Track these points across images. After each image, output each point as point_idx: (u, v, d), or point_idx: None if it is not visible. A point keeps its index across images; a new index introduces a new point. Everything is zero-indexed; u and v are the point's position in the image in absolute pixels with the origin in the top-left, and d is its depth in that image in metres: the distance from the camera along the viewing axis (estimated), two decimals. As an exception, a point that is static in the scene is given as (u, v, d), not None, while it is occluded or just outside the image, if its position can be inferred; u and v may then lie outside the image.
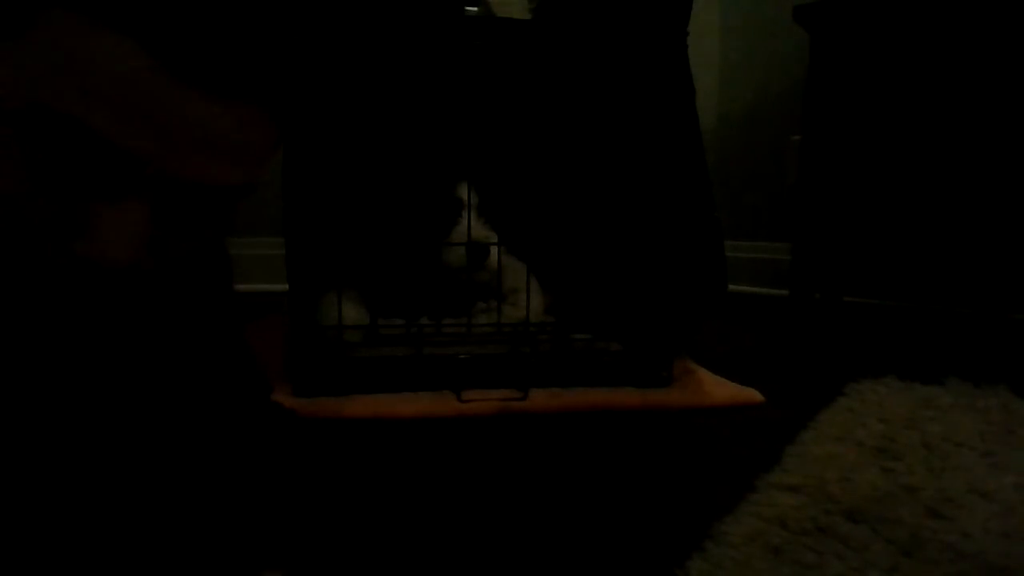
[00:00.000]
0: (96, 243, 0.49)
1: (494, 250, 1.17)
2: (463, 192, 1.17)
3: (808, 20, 1.82)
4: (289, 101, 0.54)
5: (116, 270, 0.50)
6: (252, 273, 2.11)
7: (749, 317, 1.96)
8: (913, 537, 0.65)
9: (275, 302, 1.56)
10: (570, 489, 0.71)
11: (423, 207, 1.18)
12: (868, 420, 0.97)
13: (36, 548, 0.45)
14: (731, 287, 1.22)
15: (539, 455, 0.91)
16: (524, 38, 1.19)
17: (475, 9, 1.28)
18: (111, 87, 0.48)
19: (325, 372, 1.09)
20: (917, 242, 1.68)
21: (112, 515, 0.48)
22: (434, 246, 1.18)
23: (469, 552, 0.62)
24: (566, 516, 0.71)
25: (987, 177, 1.57)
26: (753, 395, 1.13)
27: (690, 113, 1.19)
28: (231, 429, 0.57)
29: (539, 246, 1.23)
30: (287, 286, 1.10)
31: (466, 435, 0.97)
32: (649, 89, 1.18)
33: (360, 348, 1.11)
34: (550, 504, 0.73)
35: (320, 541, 0.62)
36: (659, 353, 1.18)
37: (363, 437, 0.94)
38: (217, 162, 0.51)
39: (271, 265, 1.84)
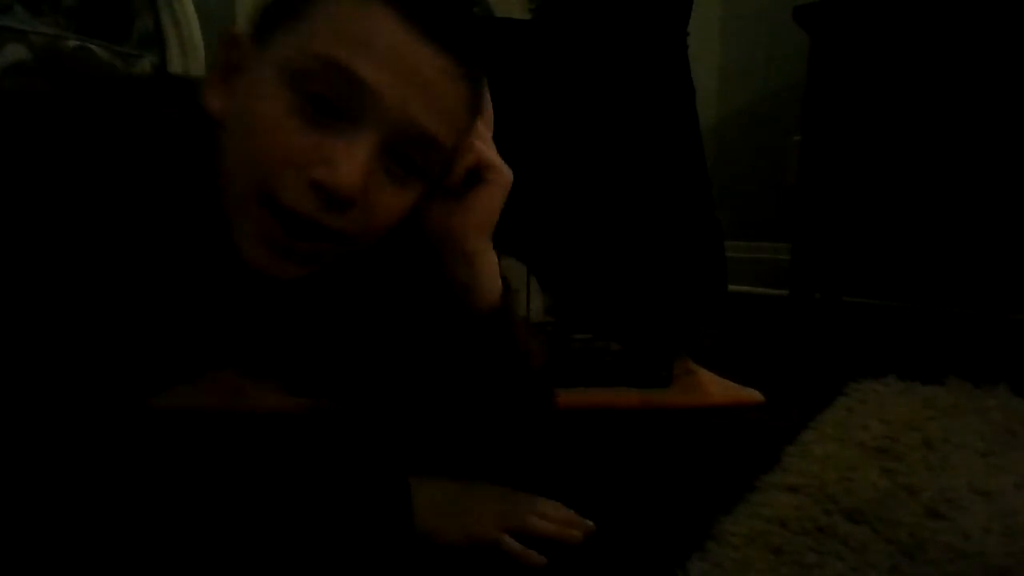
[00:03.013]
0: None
1: None
2: None
3: (808, 20, 1.82)
4: None
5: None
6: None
7: (749, 317, 1.96)
8: (913, 537, 0.65)
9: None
10: (570, 489, 0.71)
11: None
12: (868, 420, 0.97)
13: None
14: (731, 287, 1.22)
15: (538, 455, 0.91)
16: (524, 38, 1.19)
17: (475, 9, 1.28)
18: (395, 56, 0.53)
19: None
20: (917, 242, 1.68)
21: None
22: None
23: (474, 550, 0.62)
24: (566, 516, 0.70)
25: (987, 177, 1.57)
26: (753, 395, 1.13)
27: (690, 113, 1.19)
28: None
29: (539, 246, 1.23)
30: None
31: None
32: (649, 89, 1.18)
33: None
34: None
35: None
36: (659, 353, 1.18)
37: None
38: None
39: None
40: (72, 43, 1.38)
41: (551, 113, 1.19)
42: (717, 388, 1.16)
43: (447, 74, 0.56)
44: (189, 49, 1.78)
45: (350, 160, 0.52)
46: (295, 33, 0.54)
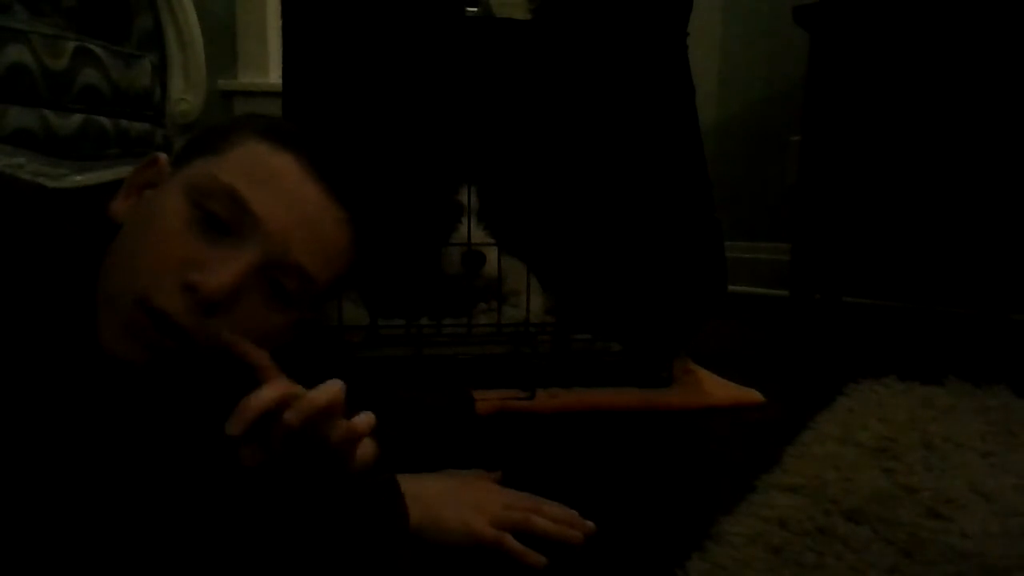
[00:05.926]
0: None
1: (492, 256, 1.17)
2: (464, 196, 1.16)
3: (808, 20, 1.82)
4: None
5: None
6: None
7: (749, 317, 1.96)
8: (913, 537, 0.65)
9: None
10: (570, 489, 0.71)
11: (423, 210, 1.18)
12: (868, 420, 0.97)
13: None
14: (731, 287, 1.22)
15: (537, 456, 0.91)
16: (524, 38, 1.19)
17: (475, 9, 1.28)
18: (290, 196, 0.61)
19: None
20: (917, 242, 1.68)
21: None
22: (434, 248, 1.18)
23: (475, 549, 0.62)
24: (566, 516, 0.70)
25: (987, 177, 1.57)
26: (753, 395, 1.13)
27: (690, 113, 1.19)
28: None
29: (540, 247, 1.23)
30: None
31: (465, 433, 0.97)
32: (649, 89, 1.18)
33: (361, 348, 1.11)
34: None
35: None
36: (659, 353, 1.18)
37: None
38: None
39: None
40: (72, 43, 1.38)
41: (551, 113, 1.19)
42: (717, 388, 1.16)
43: (333, 218, 0.63)
44: (189, 48, 1.79)
45: (224, 267, 0.57)
46: (210, 162, 0.61)
